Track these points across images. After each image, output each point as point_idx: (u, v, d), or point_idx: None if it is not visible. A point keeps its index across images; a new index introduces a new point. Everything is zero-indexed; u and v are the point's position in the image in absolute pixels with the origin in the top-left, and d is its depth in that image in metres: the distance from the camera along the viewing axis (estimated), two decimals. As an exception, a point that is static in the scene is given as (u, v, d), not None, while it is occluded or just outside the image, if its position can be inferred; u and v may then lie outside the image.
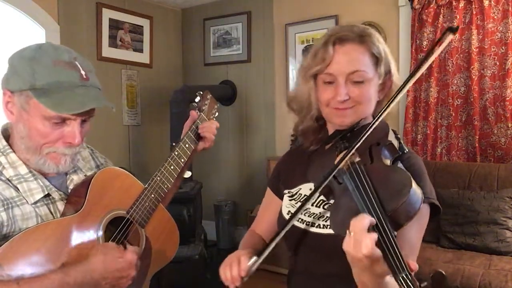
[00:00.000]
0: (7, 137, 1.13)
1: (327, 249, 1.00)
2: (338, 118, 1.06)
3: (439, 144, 3.23)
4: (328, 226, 1.01)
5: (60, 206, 1.14)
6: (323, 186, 0.91)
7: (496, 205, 2.62)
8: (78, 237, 1.08)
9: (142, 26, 4.20)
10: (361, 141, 0.90)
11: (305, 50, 3.88)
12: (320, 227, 1.03)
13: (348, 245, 0.74)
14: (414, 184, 0.80)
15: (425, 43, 3.21)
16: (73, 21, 3.67)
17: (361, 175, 0.86)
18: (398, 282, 0.69)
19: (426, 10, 3.21)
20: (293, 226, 1.04)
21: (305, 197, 0.95)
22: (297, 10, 3.91)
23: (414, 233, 0.95)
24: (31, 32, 3.44)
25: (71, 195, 1.16)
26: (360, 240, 0.71)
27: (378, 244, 0.71)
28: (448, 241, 2.74)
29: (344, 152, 0.92)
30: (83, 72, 1.08)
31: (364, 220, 0.73)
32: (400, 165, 0.92)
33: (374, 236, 0.71)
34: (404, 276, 0.69)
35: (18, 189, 1.08)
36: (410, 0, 3.28)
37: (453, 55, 3.12)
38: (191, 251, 3.16)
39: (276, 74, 4.09)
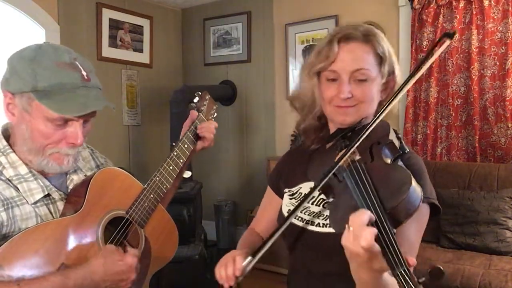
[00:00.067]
0: (7, 137, 1.13)
1: (325, 248, 1.00)
2: (340, 116, 1.07)
3: (439, 144, 3.23)
4: (327, 225, 1.01)
5: (60, 206, 1.14)
6: (322, 183, 0.91)
7: (496, 205, 2.62)
8: (78, 237, 1.08)
9: (142, 26, 4.21)
10: (362, 139, 0.91)
11: (305, 50, 3.88)
12: (318, 226, 1.03)
13: (347, 239, 0.74)
14: (414, 182, 0.81)
15: (425, 43, 3.21)
16: (73, 21, 3.67)
17: (361, 172, 0.86)
18: (396, 278, 0.69)
19: (426, 10, 3.21)
20: (292, 224, 1.05)
21: (306, 195, 0.96)
22: (297, 10, 3.91)
23: (413, 232, 0.95)
24: (31, 32, 3.44)
25: (70, 195, 1.17)
26: (359, 233, 0.71)
27: (377, 239, 0.71)
28: (448, 241, 2.74)
29: (344, 150, 0.92)
30: (84, 73, 1.08)
31: (364, 215, 0.73)
32: (400, 163, 0.92)
33: (374, 230, 0.71)
34: (402, 271, 0.69)
35: (18, 189, 1.08)
36: (410, 0, 3.28)
37: (453, 55, 3.12)
38: (191, 251, 3.16)
39: (276, 74, 4.09)
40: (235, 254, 1.01)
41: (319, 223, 1.03)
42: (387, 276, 0.77)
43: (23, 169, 1.10)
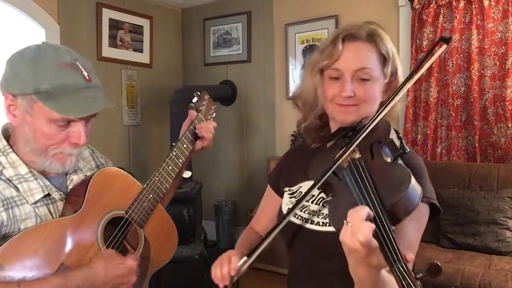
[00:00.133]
0: (7, 137, 1.13)
1: (325, 247, 1.00)
2: (341, 115, 1.07)
3: (439, 144, 3.23)
4: (327, 224, 1.01)
5: (60, 206, 1.14)
6: (322, 181, 0.91)
7: (496, 205, 2.62)
8: (77, 237, 1.08)
9: (142, 26, 4.21)
10: (361, 137, 0.91)
11: (305, 50, 3.88)
12: (318, 225, 1.03)
13: (345, 235, 0.74)
14: (413, 180, 0.81)
15: (425, 43, 3.21)
16: (73, 21, 3.67)
17: (361, 170, 0.86)
18: (394, 273, 0.69)
19: (426, 10, 3.21)
20: (290, 221, 1.05)
21: (306, 192, 0.96)
22: (297, 10, 3.91)
23: (413, 232, 0.95)
24: (31, 32, 3.44)
25: (70, 194, 1.17)
26: (357, 228, 0.71)
27: (375, 235, 0.72)
28: (448, 241, 2.74)
29: (344, 148, 0.93)
30: (85, 73, 1.08)
31: (362, 210, 0.73)
32: (400, 162, 0.92)
33: (372, 225, 0.71)
34: (400, 267, 0.69)
35: (18, 189, 1.08)
36: (410, 0, 3.28)
37: (453, 55, 3.12)
38: (191, 251, 3.16)
39: (276, 74, 4.09)
40: (231, 254, 1.02)
41: (318, 222, 1.03)
42: (385, 274, 0.77)
43: (23, 169, 1.10)
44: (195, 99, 1.39)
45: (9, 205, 1.05)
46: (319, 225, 1.03)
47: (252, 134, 4.29)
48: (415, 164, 1.01)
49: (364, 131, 0.92)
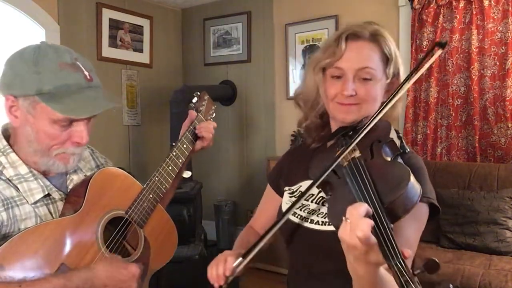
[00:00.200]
0: (7, 137, 1.14)
1: (322, 246, 1.01)
2: (341, 114, 1.07)
3: (439, 144, 3.23)
4: (326, 223, 1.01)
5: (60, 206, 1.14)
6: (321, 179, 0.91)
7: (496, 205, 2.62)
8: (77, 237, 1.08)
9: (142, 26, 4.21)
10: (361, 136, 0.92)
11: (305, 50, 3.88)
12: (317, 224, 1.03)
13: (344, 231, 0.74)
14: (412, 178, 0.81)
15: (425, 43, 3.21)
16: (73, 21, 3.67)
17: (361, 169, 0.86)
18: (391, 269, 0.69)
19: (426, 10, 3.21)
20: (288, 219, 1.06)
21: (305, 190, 0.96)
22: (297, 10, 3.91)
23: (412, 231, 0.95)
24: (31, 32, 3.44)
25: (70, 194, 1.17)
26: (356, 225, 0.71)
27: (374, 232, 0.72)
28: (448, 241, 2.74)
29: (344, 147, 0.93)
30: (86, 73, 1.08)
31: (361, 207, 0.74)
32: (400, 160, 0.93)
33: (370, 221, 0.71)
34: (398, 263, 0.69)
35: (18, 189, 1.08)
36: (410, 0, 3.28)
37: (453, 55, 3.12)
38: (191, 251, 3.16)
39: (276, 74, 4.09)
40: (227, 254, 1.03)
41: (318, 221, 1.03)
42: (384, 272, 0.77)
43: (23, 169, 1.10)
44: (195, 99, 1.39)
45: (9, 205, 1.05)
46: (318, 224, 1.03)
47: (252, 134, 4.29)
48: (415, 164, 1.01)
49: (363, 130, 0.92)
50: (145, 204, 1.21)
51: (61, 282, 1.00)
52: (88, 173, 1.23)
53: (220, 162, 4.44)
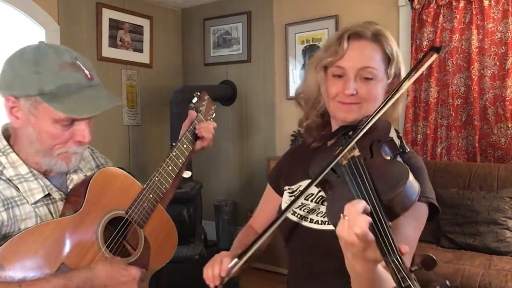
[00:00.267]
0: (8, 137, 1.14)
1: (322, 246, 1.01)
2: (342, 113, 1.08)
3: (439, 144, 3.23)
4: (325, 222, 1.02)
5: (61, 206, 1.14)
6: (320, 177, 0.92)
7: (496, 205, 2.62)
8: (77, 237, 1.08)
9: (142, 26, 4.21)
10: (360, 134, 0.92)
11: (305, 50, 3.88)
12: (317, 223, 1.04)
13: (342, 228, 0.74)
14: (411, 177, 0.82)
15: (425, 43, 3.21)
16: (73, 21, 3.67)
17: (360, 167, 0.87)
18: (388, 265, 0.69)
19: (426, 10, 3.21)
20: (287, 218, 1.06)
21: (304, 189, 0.96)
22: (297, 10, 3.91)
23: (411, 231, 0.95)
24: (31, 32, 3.44)
25: (70, 194, 1.17)
26: (354, 221, 0.71)
27: (371, 229, 0.72)
28: (448, 241, 2.74)
29: (343, 146, 0.94)
30: (87, 72, 1.08)
31: (359, 203, 0.74)
32: (399, 159, 0.93)
33: (368, 218, 0.71)
34: (395, 259, 0.69)
35: (19, 189, 1.08)
36: (410, 0, 3.28)
37: (453, 55, 3.12)
38: (191, 251, 3.16)
39: (276, 74, 4.09)
40: (223, 255, 1.04)
41: (317, 221, 1.04)
42: (381, 270, 0.78)
43: (23, 169, 1.10)
44: (195, 100, 1.40)
45: (10, 205, 1.05)
46: (318, 223, 1.03)
47: (252, 134, 4.29)
48: (415, 164, 1.01)
49: (362, 129, 0.93)
50: (145, 204, 1.21)
51: (61, 282, 1.00)
52: (88, 173, 1.23)
53: (220, 162, 4.44)
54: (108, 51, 3.91)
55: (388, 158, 0.90)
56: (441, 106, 3.22)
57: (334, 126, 1.14)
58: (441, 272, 2.38)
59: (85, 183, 1.15)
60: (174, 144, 1.31)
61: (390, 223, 0.75)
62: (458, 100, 3.14)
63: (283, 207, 1.15)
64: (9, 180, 1.08)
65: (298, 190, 1.14)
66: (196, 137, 1.34)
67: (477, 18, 3.01)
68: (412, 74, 0.94)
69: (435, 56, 0.94)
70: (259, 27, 4.16)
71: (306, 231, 1.05)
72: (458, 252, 2.64)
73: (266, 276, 3.38)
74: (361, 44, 1.06)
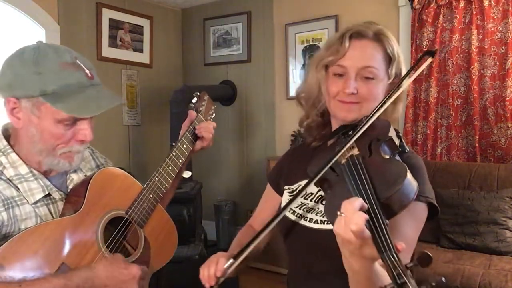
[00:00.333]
0: (8, 137, 1.14)
1: (321, 245, 1.01)
2: (342, 112, 1.08)
3: (439, 144, 3.23)
4: (323, 222, 1.02)
5: (61, 206, 1.15)
6: (319, 175, 0.92)
7: (496, 205, 2.62)
8: (77, 237, 1.08)
9: (142, 26, 4.21)
10: (358, 134, 0.93)
11: (305, 50, 3.88)
12: (316, 223, 1.04)
13: (338, 225, 0.75)
14: (409, 175, 0.82)
15: (425, 43, 3.21)
16: (73, 21, 3.67)
17: (358, 166, 0.87)
18: (384, 262, 0.70)
19: (426, 10, 3.21)
20: (285, 216, 1.07)
21: (302, 187, 0.97)
22: (297, 10, 3.91)
23: (410, 231, 0.96)
24: (31, 32, 3.44)
25: (70, 194, 1.17)
26: (350, 218, 0.72)
27: (368, 226, 0.72)
28: (448, 241, 2.74)
29: (342, 145, 0.94)
30: (87, 71, 1.09)
31: (356, 201, 0.74)
32: (397, 158, 0.93)
33: (364, 215, 0.72)
34: (391, 256, 0.69)
35: (19, 189, 1.08)
36: (410, 0, 3.28)
37: (453, 55, 3.12)
38: (191, 251, 3.16)
39: (276, 74, 4.09)
40: (219, 255, 1.04)
41: (316, 220, 1.04)
42: (379, 268, 0.78)
43: (24, 169, 1.10)
44: (194, 100, 1.40)
45: (10, 205, 1.06)
46: (317, 223, 1.03)
47: (252, 134, 4.29)
48: (414, 164, 1.01)
49: (360, 129, 0.93)
50: (145, 204, 1.21)
51: (61, 282, 1.00)
52: (88, 173, 1.23)
53: (220, 162, 4.44)
54: (108, 51, 3.91)
55: (387, 157, 0.91)
56: (441, 106, 3.22)
57: (334, 126, 1.14)
58: (441, 272, 2.38)
59: (85, 183, 1.16)
60: (174, 144, 1.31)
61: (387, 221, 0.75)
62: (458, 100, 3.14)
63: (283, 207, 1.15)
64: (9, 180, 1.08)
65: (297, 190, 1.14)
66: (196, 137, 1.34)
67: (477, 18, 3.01)
68: (407, 77, 0.95)
69: (430, 60, 0.95)
70: (259, 27, 4.16)
71: (305, 231, 1.05)
72: (458, 252, 2.64)
73: (266, 276, 3.38)
74: (363, 44, 1.06)
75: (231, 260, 0.98)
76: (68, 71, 1.05)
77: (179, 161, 1.28)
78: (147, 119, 4.30)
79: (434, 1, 3.17)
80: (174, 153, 1.28)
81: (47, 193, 1.12)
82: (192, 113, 1.37)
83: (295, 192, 1.13)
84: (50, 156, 1.09)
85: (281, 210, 1.01)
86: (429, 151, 3.26)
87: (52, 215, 1.12)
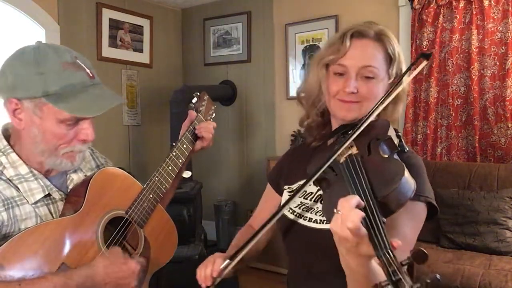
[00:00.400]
0: (8, 137, 1.13)
1: (320, 245, 1.01)
2: (342, 111, 1.08)
3: (439, 144, 3.23)
4: (323, 221, 1.02)
5: (61, 206, 1.15)
6: (318, 174, 0.92)
7: (496, 205, 2.62)
8: (77, 237, 1.08)
9: (142, 26, 4.21)
10: (357, 133, 0.93)
11: (305, 50, 3.88)
12: (314, 222, 1.04)
13: (335, 223, 0.75)
14: (406, 173, 0.82)
15: (425, 43, 3.21)
16: (73, 21, 3.67)
17: (356, 164, 0.87)
18: (379, 259, 0.70)
19: (426, 10, 3.21)
20: (284, 215, 1.07)
21: (300, 186, 0.97)
22: (297, 10, 3.91)
23: (409, 230, 0.96)
24: (31, 32, 3.44)
25: (70, 194, 1.17)
26: (346, 216, 0.72)
27: (365, 224, 0.72)
28: (448, 241, 2.74)
29: (340, 144, 0.94)
30: (88, 71, 1.09)
31: (352, 199, 0.74)
32: (395, 156, 0.93)
33: (361, 212, 0.72)
34: (386, 253, 0.69)
35: (19, 189, 1.08)
36: (410, 0, 3.28)
37: (453, 55, 3.12)
38: (191, 251, 3.16)
39: (276, 74, 4.09)
40: (216, 256, 1.05)
41: (316, 220, 1.04)
42: (376, 266, 0.78)
43: (24, 169, 1.10)
44: (194, 100, 1.40)
45: (10, 205, 1.06)
46: (316, 222, 1.03)
47: (252, 134, 4.29)
48: (414, 164, 1.01)
49: (358, 128, 0.94)
50: (145, 204, 1.21)
51: (61, 280, 1.00)
52: (88, 173, 1.23)
53: (220, 162, 4.44)
54: (108, 51, 3.91)
55: (386, 156, 0.91)
56: (441, 106, 3.21)
57: (334, 125, 1.14)
58: (441, 272, 2.38)
59: (85, 183, 1.16)
60: (174, 144, 1.31)
61: (384, 219, 0.76)
62: (458, 100, 3.14)
63: None
64: (9, 180, 1.08)
65: (296, 189, 1.14)
66: (196, 137, 1.34)
67: (477, 18, 3.01)
68: (402, 80, 0.95)
69: (424, 63, 0.95)
70: (259, 27, 4.16)
71: (304, 230, 1.05)
72: (458, 252, 2.64)
73: (266, 276, 3.39)
74: (364, 43, 1.06)
75: (227, 261, 0.99)
76: (70, 71, 1.05)
77: (179, 161, 1.28)
78: (147, 119, 4.30)
79: (434, 1, 3.16)
80: (174, 153, 1.28)
81: (47, 193, 1.12)
82: (192, 113, 1.37)
83: (293, 192, 1.14)
84: (53, 156, 1.09)
85: (278, 209, 1.01)
86: (429, 151, 3.26)
87: (52, 215, 1.12)
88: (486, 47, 2.99)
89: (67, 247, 1.06)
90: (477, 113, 3.04)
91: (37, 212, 1.09)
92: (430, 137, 3.24)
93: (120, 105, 4.03)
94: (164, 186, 1.25)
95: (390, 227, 0.76)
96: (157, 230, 1.25)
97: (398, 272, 0.67)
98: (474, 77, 3.04)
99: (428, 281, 0.64)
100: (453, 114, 3.15)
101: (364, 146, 0.94)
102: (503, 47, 2.95)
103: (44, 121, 1.05)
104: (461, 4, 3.06)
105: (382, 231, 0.72)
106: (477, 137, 3.05)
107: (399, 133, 1.03)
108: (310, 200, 1.08)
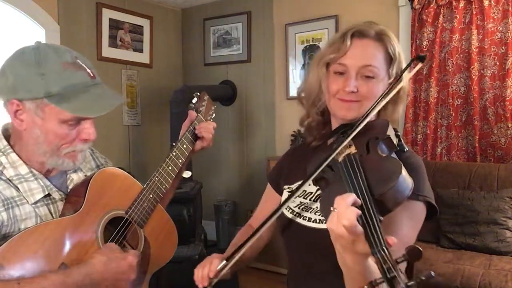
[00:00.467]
0: (8, 137, 1.13)
1: (320, 245, 1.01)
2: (342, 111, 1.08)
3: (439, 144, 3.23)
4: (322, 221, 1.02)
5: (61, 206, 1.15)
6: (316, 173, 0.93)
7: (496, 205, 2.62)
8: (77, 237, 1.08)
9: (142, 26, 4.21)
10: (355, 132, 0.93)
11: (305, 50, 3.88)
12: (313, 222, 1.04)
13: (331, 221, 0.75)
14: (404, 172, 0.82)
15: (425, 43, 3.21)
16: (73, 21, 3.67)
17: (354, 163, 0.88)
18: (374, 256, 0.70)
19: (426, 10, 3.21)
20: (282, 214, 1.08)
21: (299, 185, 0.97)
22: (297, 10, 3.91)
23: (407, 230, 0.96)
24: (31, 32, 3.44)
25: (70, 194, 1.17)
26: (342, 214, 0.72)
27: (361, 222, 0.73)
28: (448, 241, 2.74)
29: (339, 143, 0.95)
30: (89, 71, 1.09)
31: (348, 197, 0.75)
32: (394, 155, 0.93)
33: (357, 210, 0.72)
34: (381, 250, 0.70)
35: (19, 189, 1.08)
36: (410, 0, 3.28)
37: (453, 55, 3.12)
38: (191, 251, 3.16)
39: (276, 74, 4.09)
40: (214, 257, 1.06)
41: (315, 219, 1.04)
42: (373, 264, 0.78)
43: (23, 169, 1.10)
44: (194, 100, 1.40)
45: (10, 205, 1.05)
46: (315, 222, 1.04)
47: (252, 134, 4.29)
48: (413, 163, 1.01)
49: (356, 128, 0.94)
50: (145, 204, 1.21)
51: (60, 279, 1.00)
52: (88, 173, 1.23)
53: (220, 162, 4.44)
54: (108, 51, 3.91)
55: (384, 155, 0.91)
56: (441, 106, 3.22)
57: (334, 125, 1.14)
58: (441, 272, 2.38)
59: (85, 183, 1.16)
60: (174, 144, 1.31)
61: (381, 217, 0.76)
62: (458, 100, 3.14)
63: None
64: (9, 180, 1.08)
65: (295, 189, 1.14)
66: (196, 137, 1.34)
67: (477, 18, 3.01)
68: (396, 84, 0.97)
69: (420, 65, 0.96)
70: (259, 27, 4.16)
71: (303, 230, 1.05)
72: (458, 252, 2.64)
73: (266, 276, 3.39)
74: (364, 43, 1.06)
75: (224, 262, 1.00)
76: (70, 71, 1.05)
77: (179, 161, 1.28)
78: (147, 119, 4.30)
79: (434, 1, 3.16)
80: (174, 153, 1.28)
81: (47, 193, 1.12)
82: (192, 113, 1.37)
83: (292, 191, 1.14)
84: (55, 156, 1.09)
85: (276, 209, 1.01)
86: (429, 151, 3.26)
87: (52, 215, 1.12)
88: (486, 47, 2.99)
89: (67, 247, 1.06)
90: (477, 113, 3.04)
91: (37, 212, 1.09)
92: (430, 137, 3.25)
93: (120, 105, 4.03)
94: (164, 186, 1.25)
95: (388, 226, 0.76)
96: (157, 230, 1.25)
97: (393, 269, 0.67)
98: (474, 77, 3.04)
99: (423, 278, 0.64)
100: (453, 114, 3.15)
101: (363, 145, 0.94)
102: (503, 47, 2.95)
103: (46, 121, 1.05)
104: (461, 4, 3.06)
105: (378, 229, 0.72)
106: (477, 137, 3.05)
107: (399, 133, 1.03)
108: (310, 199, 1.08)
